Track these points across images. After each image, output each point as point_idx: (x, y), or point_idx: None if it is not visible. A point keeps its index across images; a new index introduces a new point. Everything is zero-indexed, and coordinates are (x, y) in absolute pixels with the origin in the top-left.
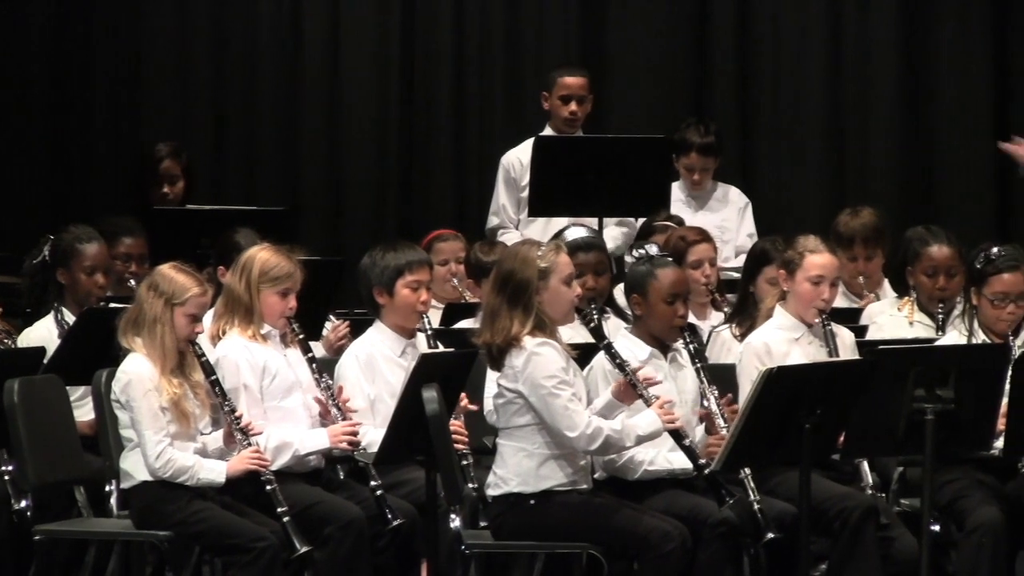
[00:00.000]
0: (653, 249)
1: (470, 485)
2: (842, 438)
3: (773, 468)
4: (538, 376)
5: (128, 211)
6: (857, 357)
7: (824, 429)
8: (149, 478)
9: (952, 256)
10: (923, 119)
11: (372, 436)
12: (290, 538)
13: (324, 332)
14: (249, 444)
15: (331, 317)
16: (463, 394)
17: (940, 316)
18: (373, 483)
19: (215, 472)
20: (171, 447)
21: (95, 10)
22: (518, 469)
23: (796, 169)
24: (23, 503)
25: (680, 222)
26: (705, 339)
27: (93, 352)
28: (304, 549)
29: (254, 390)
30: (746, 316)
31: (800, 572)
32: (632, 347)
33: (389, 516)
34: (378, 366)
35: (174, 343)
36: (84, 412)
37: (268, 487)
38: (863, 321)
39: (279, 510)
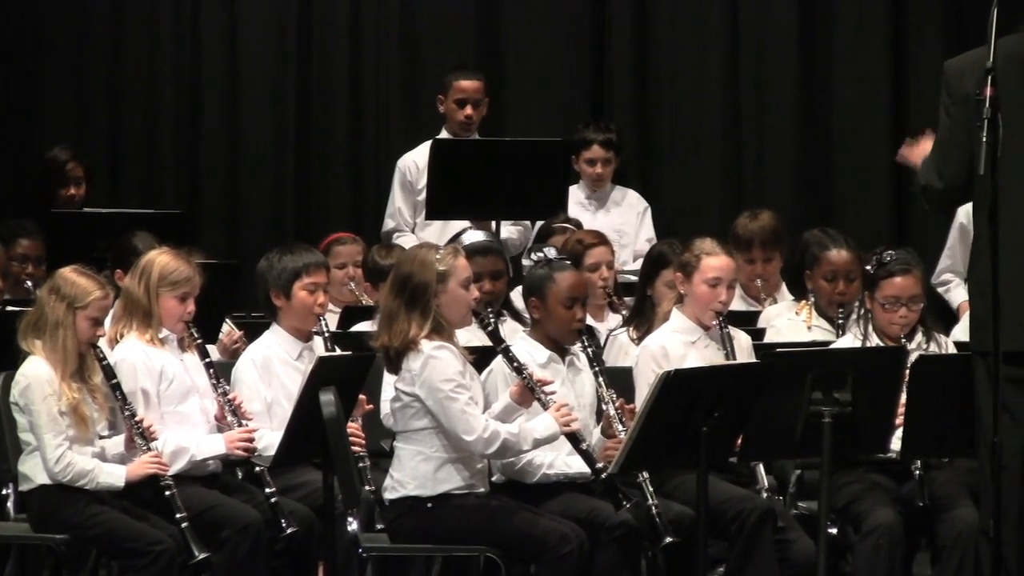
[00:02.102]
0: (551, 252)
1: (367, 488)
2: (739, 441)
3: (671, 471)
4: (435, 380)
5: (25, 213)
6: (754, 360)
7: (721, 432)
8: (48, 482)
9: (851, 260)
10: (820, 122)
11: (269, 439)
12: (188, 544)
13: (220, 336)
14: (149, 448)
15: (227, 321)
16: (362, 395)
17: (839, 320)
18: (268, 490)
19: (114, 476)
20: (70, 451)
21: None
22: (415, 472)
23: (694, 172)
24: None
25: (578, 225)
26: (603, 342)
27: None
28: (202, 556)
29: (151, 394)
30: (644, 319)
31: (697, 575)
32: (530, 350)
33: (283, 524)
34: (275, 369)
35: (75, 347)
36: None
37: (167, 492)
38: (761, 324)
39: (177, 516)
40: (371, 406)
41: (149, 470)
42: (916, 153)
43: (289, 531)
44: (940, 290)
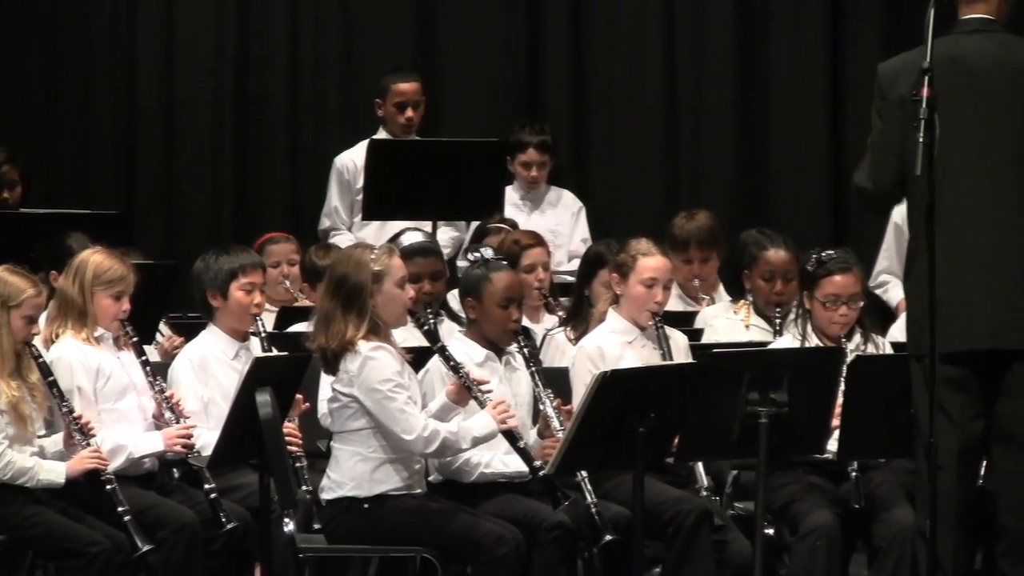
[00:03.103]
0: (488, 253)
1: (304, 488)
2: (676, 441)
3: (608, 472)
4: (373, 380)
5: None
6: (691, 360)
7: (658, 432)
8: None
9: (788, 260)
10: (757, 123)
11: (206, 439)
12: (132, 537)
13: (157, 336)
14: (88, 444)
15: (161, 327)
16: (299, 395)
17: (777, 320)
18: (207, 486)
19: (55, 473)
20: (11, 449)
21: None
22: (353, 473)
23: (631, 173)
24: None
25: (514, 225)
26: (539, 342)
27: None
28: (146, 547)
29: (88, 392)
30: (581, 319)
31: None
32: (467, 350)
33: (223, 519)
34: (211, 369)
35: (11, 345)
36: None
37: (108, 487)
38: (698, 324)
39: (120, 509)
40: (307, 405)
41: (89, 465)
42: None
43: (230, 526)
44: (878, 291)
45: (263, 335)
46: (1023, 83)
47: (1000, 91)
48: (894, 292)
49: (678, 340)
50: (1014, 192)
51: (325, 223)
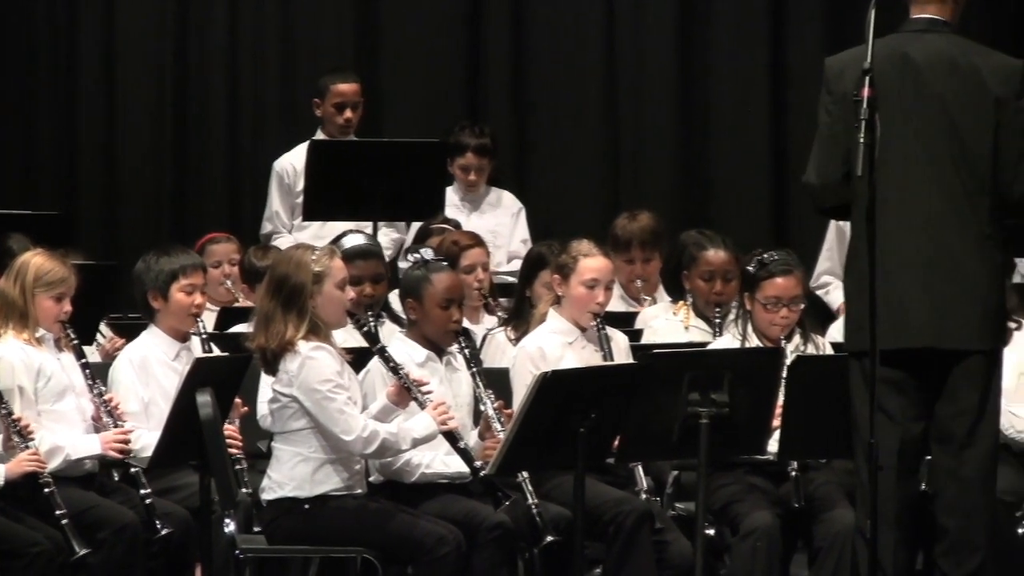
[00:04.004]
0: (428, 254)
1: (244, 490)
2: (617, 442)
3: (549, 472)
4: (313, 380)
5: None
6: (631, 361)
7: (599, 433)
8: None
9: (728, 261)
10: (698, 123)
11: (147, 439)
12: (69, 541)
13: (99, 337)
14: (27, 447)
15: (102, 327)
16: (238, 399)
17: (716, 320)
18: (143, 491)
19: None
20: None
21: None
22: (293, 473)
23: (572, 173)
24: None
25: (457, 225)
26: (479, 343)
27: None
28: (83, 552)
29: (28, 392)
30: (522, 320)
31: None
32: (407, 350)
33: (158, 526)
34: (152, 369)
35: None
36: None
37: (46, 490)
38: (638, 325)
39: (57, 512)
40: (246, 408)
41: (27, 468)
42: None
43: (163, 532)
44: (819, 292)
45: (203, 336)
46: (967, 85)
47: (946, 92)
48: (835, 294)
49: (619, 341)
50: (956, 192)
51: (267, 227)
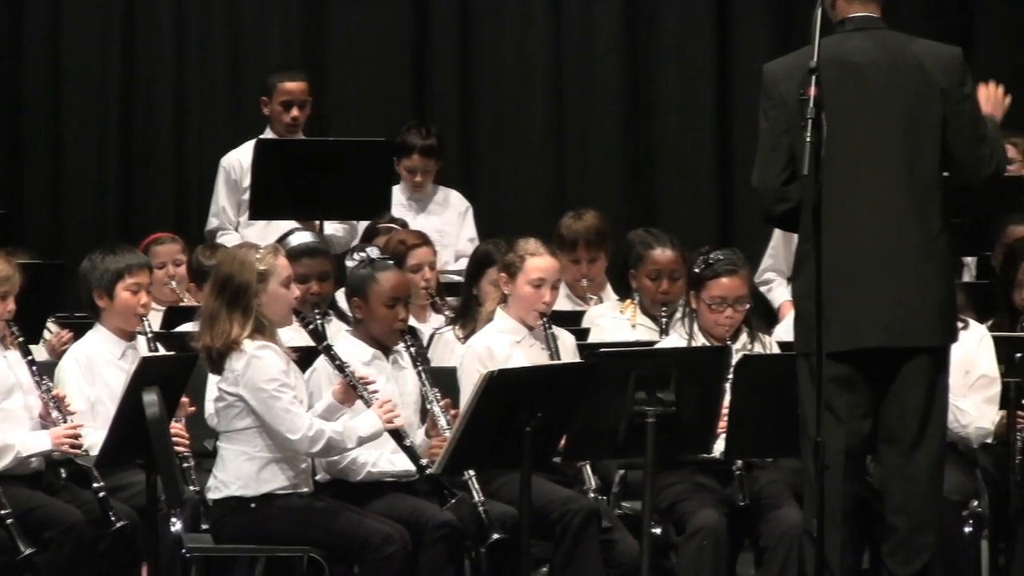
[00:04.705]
0: (374, 252)
1: (191, 488)
2: (564, 441)
3: (495, 471)
4: (258, 379)
5: None
6: (578, 360)
7: (545, 432)
8: None
9: (675, 260)
10: (645, 123)
11: (93, 438)
12: (14, 541)
13: (45, 335)
14: None
15: (49, 324)
16: (184, 398)
17: (663, 319)
18: (96, 485)
19: None
20: None
21: None
22: (239, 472)
23: (518, 172)
24: None
25: (404, 225)
26: (426, 342)
27: None
28: (28, 551)
29: None
30: (469, 319)
31: (521, 575)
32: (354, 349)
33: (112, 518)
34: (98, 368)
35: None
36: None
37: None
38: (585, 324)
39: (2, 512)
40: (194, 408)
41: None
42: (984, 102)
43: (119, 524)
44: (763, 289)
45: (149, 335)
46: (912, 80)
47: (889, 89)
48: (778, 292)
49: (566, 340)
50: (902, 190)
51: (213, 223)
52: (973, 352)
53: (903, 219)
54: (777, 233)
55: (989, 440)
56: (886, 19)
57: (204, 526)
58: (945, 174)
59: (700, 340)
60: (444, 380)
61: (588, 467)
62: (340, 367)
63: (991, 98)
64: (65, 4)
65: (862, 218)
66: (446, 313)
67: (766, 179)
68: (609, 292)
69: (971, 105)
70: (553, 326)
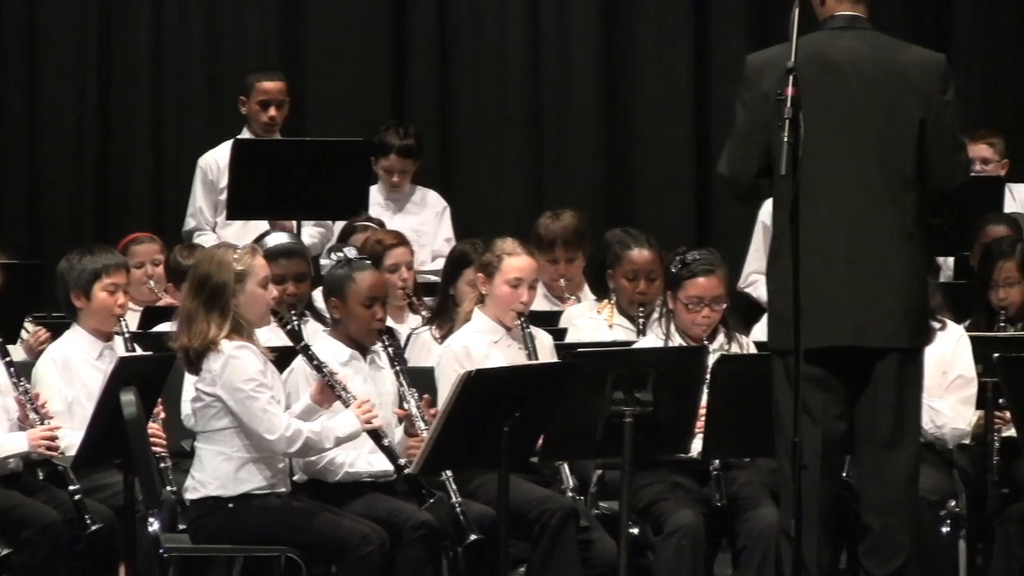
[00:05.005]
0: (351, 252)
1: (168, 489)
2: (541, 441)
3: (474, 471)
4: (236, 380)
5: None
6: (556, 360)
7: (523, 432)
8: None
9: (652, 260)
10: (623, 123)
11: (71, 439)
12: None
13: (23, 335)
14: None
15: (26, 324)
16: (159, 399)
17: (640, 319)
18: (72, 487)
19: None
20: None
21: None
22: (216, 473)
23: (496, 172)
24: None
25: (381, 224)
26: (404, 342)
27: None
28: (5, 551)
29: None
30: (447, 318)
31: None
32: (331, 349)
33: (88, 521)
34: (76, 369)
35: None
36: None
37: None
38: (562, 324)
39: None
40: (162, 413)
41: None
42: None
43: (94, 528)
44: (748, 289)
45: (127, 335)
46: (892, 82)
47: (869, 89)
48: (763, 290)
49: (543, 340)
50: (881, 190)
51: (190, 223)
52: (950, 353)
53: (877, 219)
54: (759, 234)
55: (966, 441)
56: (872, 20)
57: (181, 526)
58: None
59: (677, 340)
60: (422, 380)
61: (566, 467)
62: (318, 367)
63: None
64: (41, 4)
65: (837, 217)
66: (423, 313)
67: (738, 170)
68: (587, 292)
69: (951, 112)
70: (531, 326)
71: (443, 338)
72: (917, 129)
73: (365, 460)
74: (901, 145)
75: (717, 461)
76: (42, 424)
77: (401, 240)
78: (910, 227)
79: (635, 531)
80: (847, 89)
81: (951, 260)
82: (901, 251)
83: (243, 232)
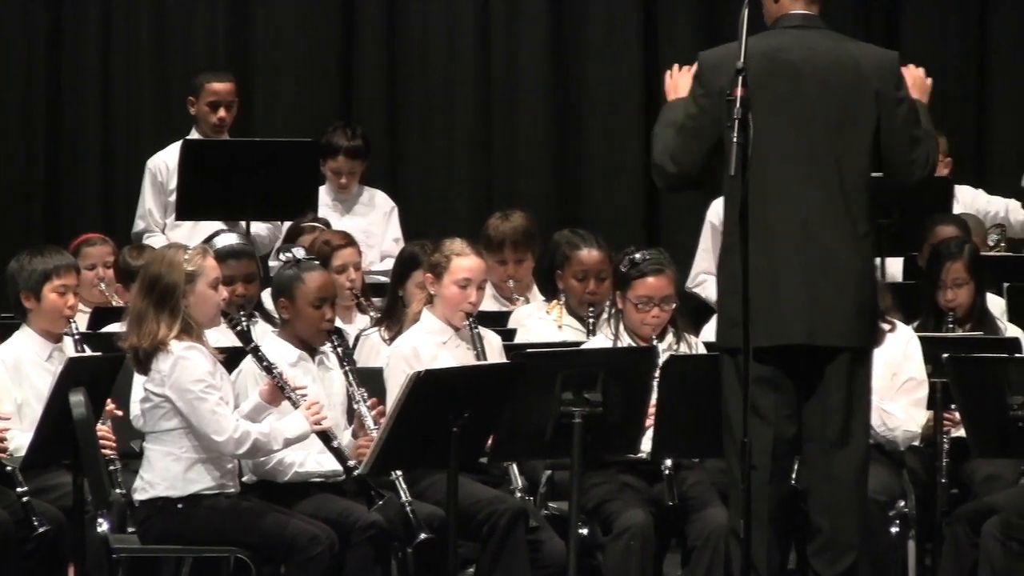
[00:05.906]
0: (300, 253)
1: (117, 490)
2: (490, 441)
3: (423, 472)
4: (185, 380)
5: None
6: (505, 360)
7: (472, 432)
8: None
9: (601, 260)
10: (571, 123)
11: (20, 440)
12: None
13: None
14: None
15: None
16: (110, 398)
17: (589, 320)
18: (20, 488)
19: None
20: None
21: None
22: (165, 473)
23: (445, 172)
24: None
25: (328, 224)
26: (352, 343)
27: None
28: None
29: None
30: (396, 319)
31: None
32: (280, 349)
33: (35, 523)
34: (25, 370)
35: None
36: None
37: None
38: (511, 324)
39: None
40: (116, 411)
41: None
42: (671, 87)
43: (42, 530)
44: (696, 289)
45: (76, 336)
46: (846, 80)
47: (822, 87)
48: (713, 289)
49: (492, 340)
50: (830, 189)
51: (140, 225)
52: (900, 355)
53: (830, 218)
54: (707, 234)
55: (916, 442)
56: (824, 19)
57: (131, 528)
58: (878, 175)
59: (626, 340)
60: (371, 381)
61: (515, 467)
62: (268, 368)
63: (916, 81)
64: None
65: (789, 216)
66: (371, 314)
67: (682, 164)
68: (535, 293)
69: (906, 108)
70: (479, 326)
71: (392, 339)
72: (872, 127)
73: (314, 460)
74: (855, 144)
75: (669, 461)
76: None
77: (349, 241)
78: (864, 227)
79: (584, 531)
80: (800, 88)
81: (900, 260)
82: (855, 251)
83: (193, 233)
